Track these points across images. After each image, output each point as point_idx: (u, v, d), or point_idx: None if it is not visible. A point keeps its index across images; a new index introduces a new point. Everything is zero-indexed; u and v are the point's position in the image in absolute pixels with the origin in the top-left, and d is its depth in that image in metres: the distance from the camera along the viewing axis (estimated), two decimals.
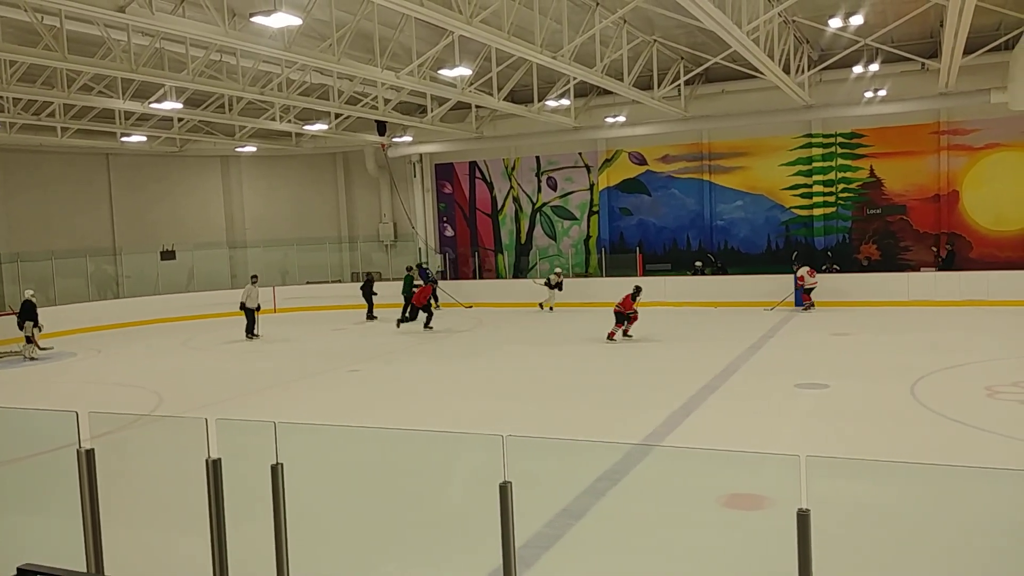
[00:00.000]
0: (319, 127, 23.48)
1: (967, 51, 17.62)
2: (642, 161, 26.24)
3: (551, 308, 23.32)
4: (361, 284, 23.72)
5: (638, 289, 17.29)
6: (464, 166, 28.79)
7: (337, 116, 23.89)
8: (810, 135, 23.81)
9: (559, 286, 23.34)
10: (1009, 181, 21.87)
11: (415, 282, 21.98)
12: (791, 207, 24.32)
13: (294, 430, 4.58)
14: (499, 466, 4.26)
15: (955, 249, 22.15)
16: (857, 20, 15.84)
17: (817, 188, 23.91)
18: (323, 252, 29.22)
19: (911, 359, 13.54)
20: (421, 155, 28.59)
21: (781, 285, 21.69)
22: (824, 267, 22.89)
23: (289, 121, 23.33)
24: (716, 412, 10.66)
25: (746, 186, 24.85)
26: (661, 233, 26.14)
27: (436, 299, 22.99)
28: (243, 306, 19.86)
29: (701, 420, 10.23)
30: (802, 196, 24.16)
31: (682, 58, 21.38)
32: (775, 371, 13.28)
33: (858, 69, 20.30)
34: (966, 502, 5.89)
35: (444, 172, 29.20)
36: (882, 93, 21.14)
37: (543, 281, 23.77)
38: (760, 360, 14.23)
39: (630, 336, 17.03)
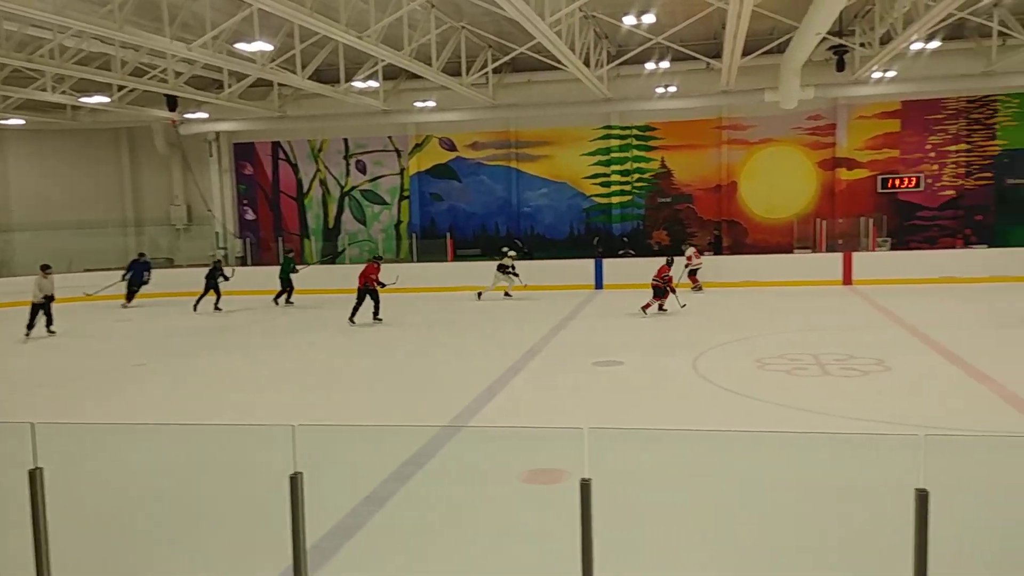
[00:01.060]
0: (99, 100, 21.50)
1: (745, 52, 19.24)
2: (452, 147, 26.42)
3: (507, 293, 21.10)
4: (208, 271, 20.96)
5: (670, 261, 17.97)
6: (266, 146, 27.59)
7: (120, 89, 22.00)
8: (609, 127, 25.05)
9: (513, 268, 20.89)
10: (780, 173, 24.23)
11: (294, 266, 21.21)
12: (592, 195, 25.51)
13: (59, 431, 4.19)
14: (295, 457, 4.14)
15: (722, 234, 24.21)
16: (649, 19, 16.80)
17: (615, 178, 25.24)
18: (105, 237, 26.82)
19: (694, 336, 14.65)
20: (218, 133, 27.04)
21: (580, 270, 22.67)
22: (620, 252, 24.23)
23: (63, 92, 21.18)
24: (520, 392, 10.97)
25: (551, 174, 25.74)
26: (471, 219, 26.49)
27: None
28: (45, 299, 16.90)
29: (505, 400, 10.49)
30: (602, 185, 25.40)
31: (490, 46, 21.71)
32: (575, 351, 13.88)
33: (651, 66, 21.57)
34: (739, 463, 6.47)
35: (244, 152, 27.82)
36: (672, 89, 22.62)
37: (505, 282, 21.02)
38: (562, 341, 14.83)
39: (665, 311, 17.33)
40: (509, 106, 24.38)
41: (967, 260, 21.11)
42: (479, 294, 21.03)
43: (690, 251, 21.67)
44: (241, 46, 16.69)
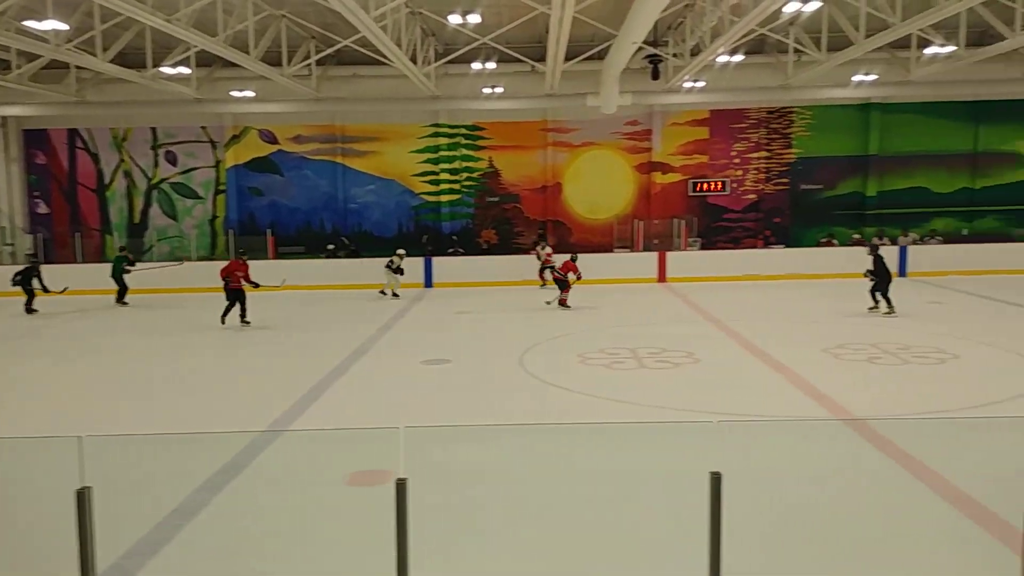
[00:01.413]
0: None
1: (568, 57, 19.82)
2: (273, 140, 25.38)
3: (395, 293, 20.37)
4: (17, 273, 18.62)
5: (574, 256, 18.51)
6: (62, 133, 25.25)
7: None
8: (437, 125, 25.02)
9: (400, 269, 20.31)
10: (601, 176, 25.23)
11: (126, 266, 19.33)
12: (420, 193, 25.38)
13: None
14: (82, 471, 3.73)
15: (547, 234, 24.90)
16: (475, 19, 16.91)
17: (444, 176, 25.25)
18: None
19: (523, 333, 14.90)
20: (5, 118, 24.43)
21: (410, 269, 22.43)
22: (450, 250, 24.29)
23: None
24: (345, 393, 10.67)
25: (378, 171, 25.35)
26: (294, 215, 25.58)
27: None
28: None
29: (330, 402, 10.16)
30: (431, 183, 25.34)
31: (313, 37, 21.02)
32: (404, 350, 13.71)
33: (477, 65, 21.75)
34: (557, 454, 6.60)
35: (36, 139, 25.32)
36: (499, 90, 22.93)
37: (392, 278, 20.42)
38: (390, 340, 14.60)
39: (568, 307, 17.69)
40: (334, 100, 23.75)
41: (767, 259, 22.92)
42: (383, 291, 20.40)
43: (548, 250, 22.05)
44: (31, 24, 15.12)
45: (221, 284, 15.97)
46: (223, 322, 15.95)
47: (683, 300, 19.14)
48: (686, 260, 23.20)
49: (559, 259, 19.18)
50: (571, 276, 18.17)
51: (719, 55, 19.19)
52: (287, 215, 25.53)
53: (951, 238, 24.28)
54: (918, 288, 20.11)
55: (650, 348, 13.10)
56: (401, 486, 3.39)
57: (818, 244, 24.45)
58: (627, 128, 25.02)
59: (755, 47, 22.47)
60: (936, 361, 11.77)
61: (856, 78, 22.11)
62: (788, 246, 24.25)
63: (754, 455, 5.85)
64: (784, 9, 15.29)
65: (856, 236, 24.52)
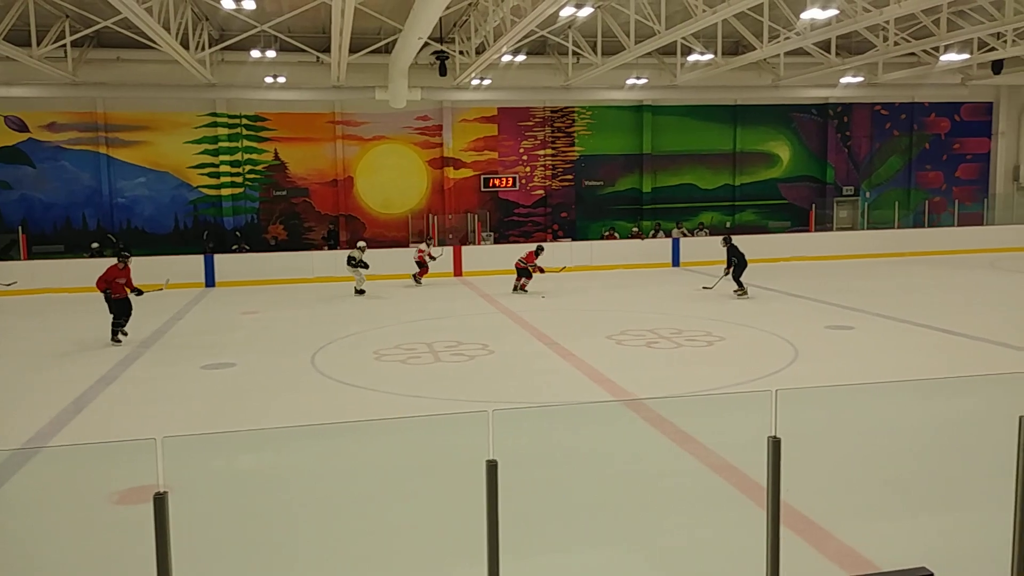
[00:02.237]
0: None
1: (354, 49, 19.41)
2: (23, 128, 22.70)
3: (359, 290, 19.20)
4: None
5: (540, 248, 19.01)
6: None
7: None
8: (215, 114, 23.56)
9: (363, 263, 19.19)
10: (394, 170, 25.00)
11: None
12: (198, 186, 23.80)
13: None
14: None
15: (339, 229, 24.36)
16: (250, 4, 16.00)
17: (224, 168, 23.84)
18: None
19: (315, 333, 14.39)
20: None
21: (189, 267, 20.96)
22: (233, 247, 22.99)
23: None
24: (113, 403, 9.72)
25: (149, 162, 23.46)
26: (50, 210, 23.05)
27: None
28: None
29: (95, 414, 9.21)
30: (210, 176, 23.83)
31: (68, 16, 18.98)
32: (181, 354, 12.76)
33: (256, 53, 20.69)
34: (358, 455, 6.40)
35: None
36: (282, 80, 22.00)
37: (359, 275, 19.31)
38: (167, 344, 13.54)
39: (526, 291, 18.33)
40: (95, 85, 21.64)
41: (556, 252, 23.79)
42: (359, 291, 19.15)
43: (422, 246, 21.47)
44: None
45: (102, 296, 13.60)
46: (118, 339, 13.54)
47: (478, 293, 19.42)
48: (481, 254, 23.56)
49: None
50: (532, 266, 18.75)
51: (503, 54, 19.64)
52: (42, 211, 22.94)
53: (717, 230, 26.57)
54: (689, 277, 21.79)
55: (446, 342, 13.13)
56: (159, 501, 3.07)
57: (601, 237, 25.78)
58: (418, 123, 24.97)
59: (537, 48, 23.26)
60: (705, 344, 12.76)
61: (629, 81, 23.54)
62: (575, 239, 25.38)
63: (530, 440, 5.99)
64: (561, 13, 15.89)
65: (635, 229, 26.15)
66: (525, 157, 25.91)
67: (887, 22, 19.51)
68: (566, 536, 5.79)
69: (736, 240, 18.18)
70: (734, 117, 26.97)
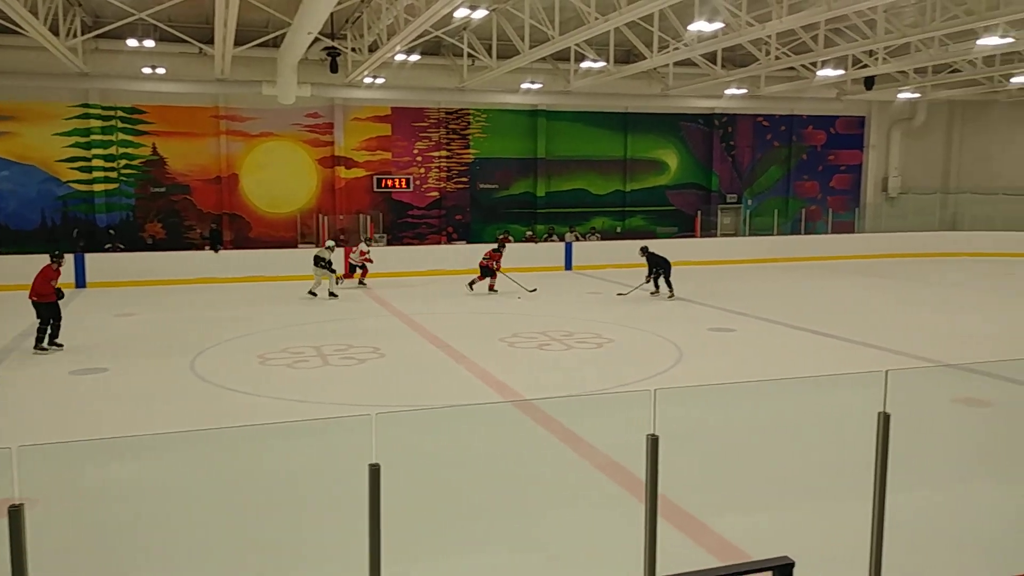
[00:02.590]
0: None
1: (240, 42, 18.72)
2: None
3: (332, 293, 18.65)
4: None
5: (503, 246, 19.38)
6: None
7: None
8: (88, 105, 22.26)
9: (331, 264, 18.64)
10: (282, 168, 24.26)
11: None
12: (68, 181, 22.40)
13: None
14: None
15: (221, 228, 23.46)
16: None
17: (97, 162, 22.53)
18: None
19: (193, 336, 13.77)
20: None
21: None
22: (107, 246, 21.77)
23: None
24: None
25: (14, 155, 21.92)
26: None
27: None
28: None
29: None
30: (81, 170, 22.48)
31: None
32: (48, 358, 11.94)
33: (133, 42, 19.62)
34: (237, 461, 6.12)
35: None
36: (161, 71, 21.00)
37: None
38: (31, 348, 12.64)
39: (496, 291, 18.73)
40: None
41: (450, 254, 23.71)
42: (312, 292, 18.39)
43: (362, 245, 20.94)
44: None
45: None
46: (46, 347, 12.30)
47: (370, 296, 19.08)
48: (373, 255, 23.17)
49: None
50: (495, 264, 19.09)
51: (396, 53, 19.38)
52: None
53: (607, 235, 27.10)
54: (580, 280, 22.13)
55: (336, 345, 12.83)
56: (15, 514, 2.83)
57: (496, 240, 25.80)
58: (308, 120, 24.33)
59: (432, 48, 23.10)
60: (595, 345, 12.96)
61: (524, 85, 23.71)
62: (469, 242, 25.33)
63: (417, 443, 5.91)
64: (455, 14, 15.83)
65: (529, 233, 26.35)
66: (419, 158, 25.69)
67: (769, 37, 20.41)
68: (451, 539, 5.72)
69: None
70: (625, 125, 27.60)
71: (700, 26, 16.30)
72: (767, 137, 29.39)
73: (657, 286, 18.27)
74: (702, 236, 27.35)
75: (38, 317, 12.41)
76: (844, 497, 5.96)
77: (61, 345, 12.52)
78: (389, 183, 25.31)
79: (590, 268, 24.15)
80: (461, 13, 15.88)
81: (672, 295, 17.97)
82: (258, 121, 23.78)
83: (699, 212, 28.17)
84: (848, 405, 4.14)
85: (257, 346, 12.84)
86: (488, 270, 19.18)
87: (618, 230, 27.65)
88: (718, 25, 16.72)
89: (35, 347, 12.28)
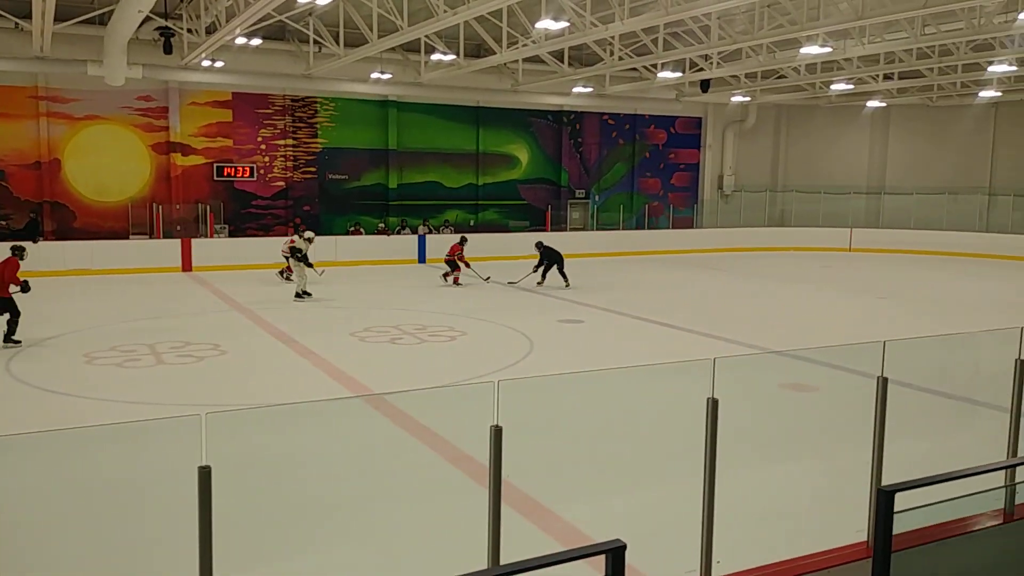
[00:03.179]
0: None
1: (62, 17, 17.30)
2: None
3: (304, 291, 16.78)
4: None
5: (464, 239, 19.56)
6: None
7: None
8: None
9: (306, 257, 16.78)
10: (110, 154, 22.57)
11: None
12: None
13: None
14: None
15: (41, 218, 21.63)
16: None
17: None
18: None
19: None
20: None
21: None
22: None
23: None
24: None
25: None
26: None
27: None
28: None
29: None
30: None
31: None
32: None
33: None
34: (59, 469, 5.64)
35: None
36: None
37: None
38: None
39: (460, 284, 18.83)
40: None
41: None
42: (301, 294, 16.74)
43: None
44: None
45: None
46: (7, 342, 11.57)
47: (211, 290, 18.16)
48: (214, 247, 22.09)
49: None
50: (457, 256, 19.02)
51: (236, 36, 18.49)
52: None
53: (461, 228, 27.14)
54: (434, 273, 22.05)
55: (171, 342, 12.10)
56: None
57: (347, 232, 25.26)
58: (140, 103, 22.75)
59: (276, 33, 22.24)
60: (448, 339, 12.94)
61: (374, 75, 23.29)
62: (318, 234, 24.52)
63: (257, 443, 5.67)
64: None
65: (381, 225, 25.96)
66: (264, 146, 24.65)
67: (613, 38, 21.09)
68: (291, 541, 5.51)
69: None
70: (477, 118, 27.72)
71: (547, 24, 16.60)
72: (613, 135, 30.41)
73: (544, 276, 19.00)
74: (552, 230, 27.97)
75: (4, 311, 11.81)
76: (682, 479, 6.24)
77: (18, 341, 11.81)
78: (231, 172, 24.13)
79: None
80: None
81: (567, 285, 18.70)
82: (83, 103, 21.99)
83: (549, 206, 28.77)
84: (685, 392, 4.34)
85: (82, 345, 11.92)
86: (453, 263, 19.23)
87: (471, 223, 27.76)
88: (564, 24, 17.10)
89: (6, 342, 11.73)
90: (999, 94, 27.47)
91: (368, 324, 13.82)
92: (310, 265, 16.81)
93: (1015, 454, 4.70)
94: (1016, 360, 4.73)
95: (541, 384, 5.85)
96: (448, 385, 9.61)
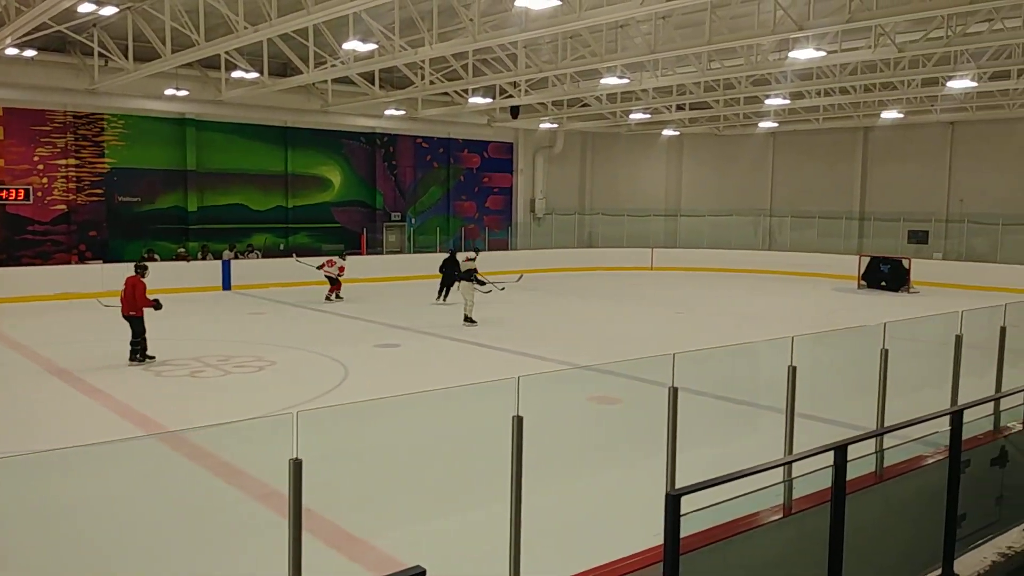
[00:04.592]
0: None
1: None
2: None
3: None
4: None
5: (343, 255, 20.41)
6: None
7: None
8: None
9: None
10: None
11: None
12: None
13: None
14: None
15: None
16: None
17: None
18: None
19: None
20: None
21: None
22: None
23: None
24: None
25: None
26: None
27: None
28: None
29: None
30: None
31: None
32: None
33: None
34: None
35: None
36: None
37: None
38: None
39: (341, 298, 19.68)
40: None
41: (82, 275, 21.01)
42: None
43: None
44: None
45: None
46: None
47: None
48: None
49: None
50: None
51: (7, 47, 16.76)
52: None
53: (271, 252, 26.04)
54: (240, 300, 20.99)
55: None
56: None
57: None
58: None
59: (56, 44, 20.40)
60: (256, 369, 12.30)
61: (169, 91, 21.93)
62: (107, 261, 22.64)
63: (25, 496, 5.06)
64: (79, 8, 14.11)
65: (180, 250, 24.37)
66: (41, 167, 22.39)
67: (423, 62, 21.18)
68: None
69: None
70: (285, 139, 26.81)
71: (354, 45, 16.39)
72: (427, 158, 30.53)
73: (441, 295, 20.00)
74: (369, 254, 27.53)
75: None
76: (492, 498, 6.24)
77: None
78: (3, 194, 21.74)
79: (252, 287, 23.02)
80: (87, 8, 14.19)
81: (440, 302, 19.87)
82: None
83: (364, 229, 28.33)
84: (494, 410, 4.32)
85: None
86: (333, 279, 20.18)
87: (281, 247, 26.74)
88: (372, 46, 16.96)
89: None
90: (776, 125, 30.41)
91: (165, 358, 12.87)
92: (482, 283, 16.90)
93: (791, 452, 5.09)
94: (788, 367, 5.14)
95: (347, 411, 5.66)
96: (249, 419, 9.11)
